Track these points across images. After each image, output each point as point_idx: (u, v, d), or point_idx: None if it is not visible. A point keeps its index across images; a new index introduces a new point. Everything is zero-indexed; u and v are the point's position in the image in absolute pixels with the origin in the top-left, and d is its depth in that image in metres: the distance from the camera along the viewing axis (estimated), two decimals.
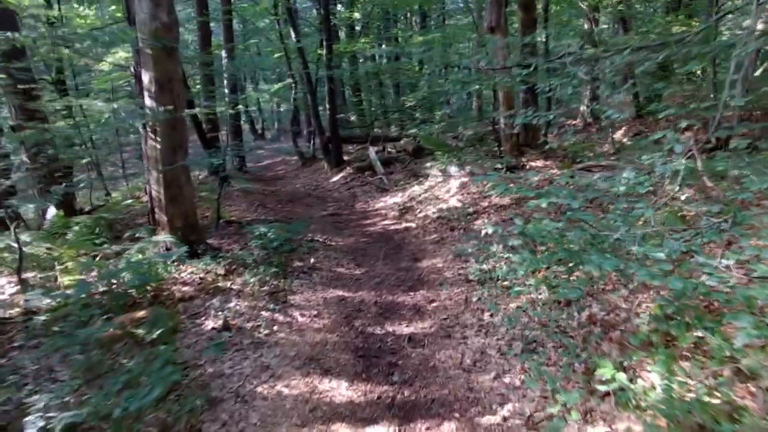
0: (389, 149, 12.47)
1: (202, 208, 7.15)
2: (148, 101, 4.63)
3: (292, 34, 12.19)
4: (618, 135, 9.47)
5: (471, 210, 6.82)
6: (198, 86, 13.76)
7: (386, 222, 7.56)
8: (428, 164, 9.39)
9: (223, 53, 14.86)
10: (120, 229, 6.00)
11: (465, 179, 8.06)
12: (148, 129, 4.72)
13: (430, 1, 16.08)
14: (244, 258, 4.89)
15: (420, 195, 8.33)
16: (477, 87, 10.23)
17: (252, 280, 4.51)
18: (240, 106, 14.82)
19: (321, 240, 6.42)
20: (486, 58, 5.34)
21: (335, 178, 12.17)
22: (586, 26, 10.84)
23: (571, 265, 3.00)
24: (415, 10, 18.90)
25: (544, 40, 9.15)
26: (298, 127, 23.62)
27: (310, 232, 6.87)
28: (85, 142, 8.86)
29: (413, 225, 7.09)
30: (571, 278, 3.57)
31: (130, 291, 4.05)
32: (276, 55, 16.02)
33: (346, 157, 14.07)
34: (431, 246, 5.99)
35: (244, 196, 10.20)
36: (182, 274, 4.59)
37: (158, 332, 3.45)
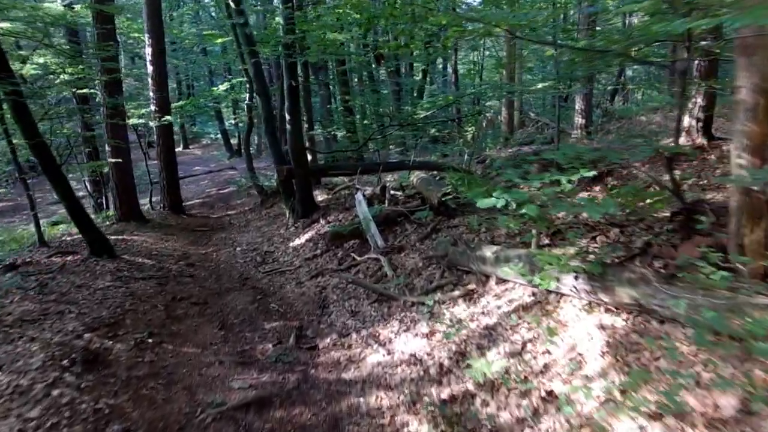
0: (392, 190, 7.26)
1: None
2: None
3: None
4: None
5: None
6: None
7: None
8: (488, 252, 4.09)
9: (147, 37, 9.85)
10: None
11: (624, 326, 2.86)
12: None
13: None
14: None
15: (488, 352, 3.11)
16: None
17: None
18: (174, 118, 9.60)
19: None
20: None
21: (299, 241, 6.99)
22: None
23: None
24: None
25: None
26: (269, 143, 18.42)
27: None
28: None
29: None
30: None
31: None
32: (219, 41, 10.78)
33: (321, 197, 8.91)
34: None
35: (118, 288, 4.96)
36: None
37: None
